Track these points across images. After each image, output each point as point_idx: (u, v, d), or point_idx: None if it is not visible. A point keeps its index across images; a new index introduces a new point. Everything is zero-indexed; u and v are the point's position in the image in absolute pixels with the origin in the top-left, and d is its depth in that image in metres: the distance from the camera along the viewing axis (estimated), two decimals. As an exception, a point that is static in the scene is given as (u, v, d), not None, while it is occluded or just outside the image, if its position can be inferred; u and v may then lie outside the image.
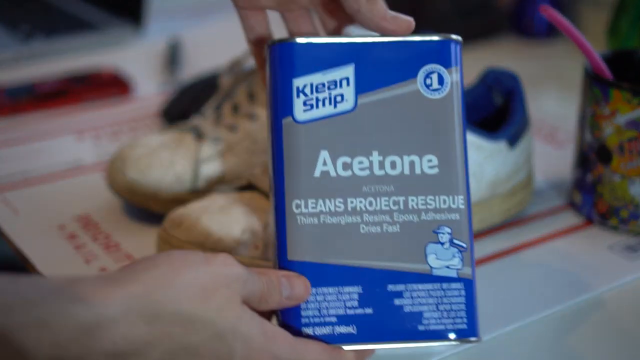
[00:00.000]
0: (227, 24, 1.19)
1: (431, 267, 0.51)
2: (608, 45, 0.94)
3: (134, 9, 1.12)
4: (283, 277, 0.49)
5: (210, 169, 0.69)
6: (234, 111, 0.73)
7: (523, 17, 1.11)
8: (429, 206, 0.51)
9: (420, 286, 0.51)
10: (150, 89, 0.97)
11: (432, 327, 0.51)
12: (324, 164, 0.51)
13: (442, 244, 0.51)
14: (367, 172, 0.51)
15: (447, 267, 0.51)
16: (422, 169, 0.51)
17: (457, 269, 0.51)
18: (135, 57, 1.07)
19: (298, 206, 0.51)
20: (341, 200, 0.51)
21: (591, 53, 0.68)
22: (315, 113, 0.51)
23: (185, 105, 0.87)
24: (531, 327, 0.59)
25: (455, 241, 0.51)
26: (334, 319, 0.50)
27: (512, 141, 0.68)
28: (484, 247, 0.68)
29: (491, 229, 0.70)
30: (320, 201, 0.51)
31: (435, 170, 0.51)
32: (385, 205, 0.51)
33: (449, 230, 0.51)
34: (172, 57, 1.04)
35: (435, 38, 0.52)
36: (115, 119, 0.90)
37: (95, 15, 1.15)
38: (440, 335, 0.51)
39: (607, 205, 0.69)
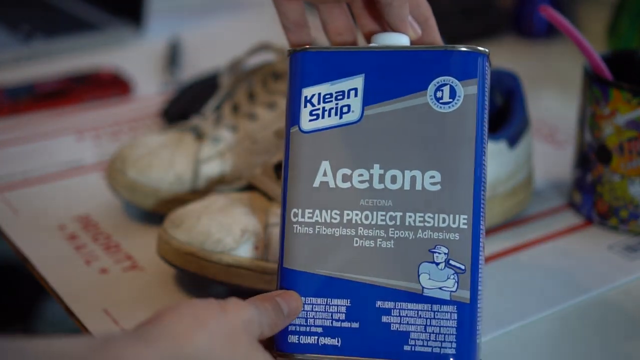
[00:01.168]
0: (227, 24, 1.19)
1: (423, 287, 0.50)
2: (608, 45, 0.95)
3: (134, 9, 1.12)
4: (278, 298, 0.50)
5: (210, 169, 0.69)
6: (234, 111, 0.73)
7: (523, 17, 1.11)
8: (426, 224, 0.50)
9: (409, 305, 0.50)
10: (150, 89, 0.97)
11: (418, 349, 0.49)
12: (324, 174, 0.51)
13: (437, 264, 0.50)
14: (366, 185, 0.50)
15: (440, 288, 0.49)
16: (423, 185, 0.50)
17: (451, 291, 0.49)
18: (135, 57, 1.07)
19: (295, 215, 0.51)
20: (337, 212, 0.50)
21: (591, 53, 0.68)
22: (320, 123, 0.51)
23: (185, 105, 0.87)
24: (531, 327, 0.59)
25: (452, 262, 0.49)
26: (319, 330, 0.50)
27: (512, 141, 0.68)
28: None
29: (491, 229, 0.70)
30: (317, 211, 0.51)
31: (437, 187, 0.50)
32: (382, 220, 0.50)
33: (445, 250, 0.50)
34: (172, 57, 1.04)
35: (451, 48, 0.51)
36: (115, 119, 0.90)
37: (96, 15, 1.15)
38: (426, 358, 0.49)
39: (607, 205, 0.69)
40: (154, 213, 0.70)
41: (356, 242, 0.50)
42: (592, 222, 0.71)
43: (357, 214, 0.50)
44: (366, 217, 0.50)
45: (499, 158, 0.68)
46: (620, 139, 0.67)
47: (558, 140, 0.86)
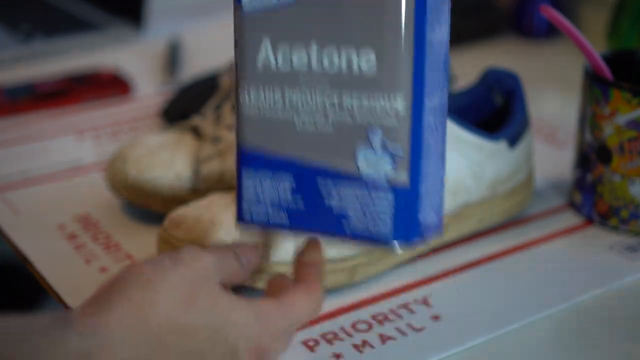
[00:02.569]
0: (227, 24, 1.19)
1: (360, 170, 0.50)
2: (608, 45, 0.95)
3: (134, 8, 1.12)
4: (236, 249, 0.50)
5: (210, 168, 0.70)
6: (234, 111, 0.73)
7: (523, 17, 1.11)
8: (363, 106, 0.50)
9: (348, 188, 0.51)
10: (150, 88, 0.98)
11: (357, 229, 0.51)
12: (266, 55, 0.52)
13: (374, 148, 0.50)
14: (305, 67, 0.51)
15: (377, 172, 0.50)
16: (359, 66, 0.49)
17: (388, 176, 0.49)
18: (135, 57, 1.07)
19: (243, 96, 0.52)
20: (279, 93, 0.51)
21: (591, 53, 0.68)
22: (260, 2, 0.51)
23: (185, 105, 0.87)
24: (531, 327, 0.59)
25: (389, 146, 0.49)
26: (269, 207, 0.52)
27: (513, 141, 0.69)
28: (484, 247, 0.68)
29: (491, 229, 0.70)
30: (262, 92, 0.52)
31: (374, 68, 0.49)
32: (321, 103, 0.51)
33: (381, 133, 0.49)
34: (172, 57, 1.04)
35: None
36: (115, 119, 0.90)
37: (96, 15, 1.15)
38: (363, 237, 0.51)
39: (607, 205, 0.70)
40: (154, 213, 0.70)
41: (298, 126, 0.51)
42: (593, 222, 0.71)
43: (297, 96, 0.51)
44: (306, 100, 0.51)
45: (499, 158, 0.68)
46: (620, 138, 0.67)
47: (558, 140, 0.86)
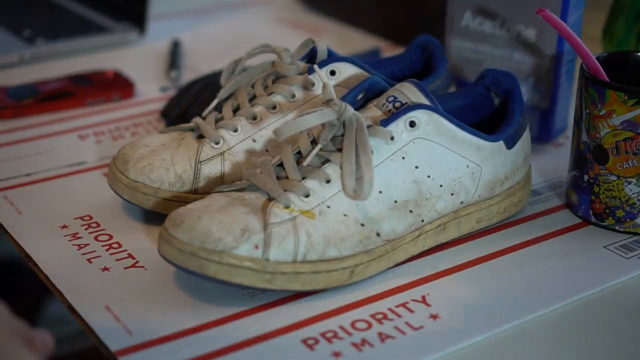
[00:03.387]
0: (228, 26, 1.19)
1: None
2: (603, 47, 0.95)
3: (136, 11, 1.12)
4: (34, 334, 0.51)
5: (210, 169, 0.70)
6: (234, 112, 0.73)
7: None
8: (525, 61, 0.80)
9: None
10: (151, 90, 0.98)
11: None
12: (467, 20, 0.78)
13: (527, 86, 0.80)
14: (491, 31, 0.79)
15: (530, 101, 0.81)
16: (526, 35, 0.81)
17: (536, 103, 0.81)
18: (137, 58, 1.07)
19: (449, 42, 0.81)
20: (474, 45, 0.81)
21: (587, 54, 0.68)
22: None
23: (185, 105, 0.88)
24: (529, 325, 0.60)
25: (538, 86, 0.79)
26: None
27: (511, 141, 0.69)
28: (481, 247, 0.69)
29: (489, 228, 0.71)
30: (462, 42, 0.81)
31: (534, 38, 0.79)
32: (499, 55, 0.82)
33: (533, 79, 0.79)
34: (174, 58, 1.05)
35: None
36: (117, 120, 0.91)
37: (98, 17, 1.16)
38: None
39: (603, 206, 0.70)
40: (155, 213, 0.70)
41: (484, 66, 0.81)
42: (589, 222, 0.72)
43: (485, 47, 0.82)
44: (491, 51, 0.81)
45: (497, 158, 0.68)
46: (616, 139, 0.68)
47: (556, 140, 0.86)
